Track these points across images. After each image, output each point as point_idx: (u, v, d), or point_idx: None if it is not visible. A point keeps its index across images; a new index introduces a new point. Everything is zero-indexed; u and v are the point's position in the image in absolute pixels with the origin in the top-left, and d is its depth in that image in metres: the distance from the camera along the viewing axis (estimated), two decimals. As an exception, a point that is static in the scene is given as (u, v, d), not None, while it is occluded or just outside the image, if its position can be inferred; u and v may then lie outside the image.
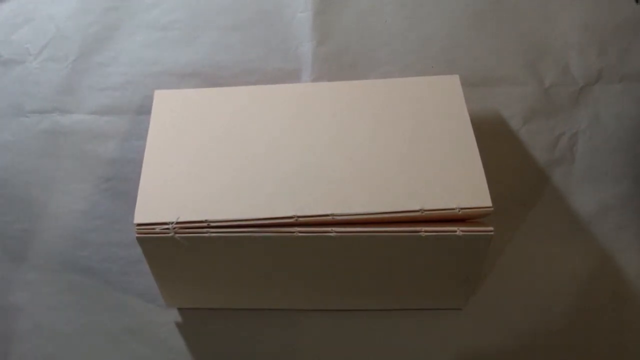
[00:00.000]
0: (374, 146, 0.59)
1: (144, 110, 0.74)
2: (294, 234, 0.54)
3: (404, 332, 0.64)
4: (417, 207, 0.55)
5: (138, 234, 0.54)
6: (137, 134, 0.74)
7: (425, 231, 0.54)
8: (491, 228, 0.54)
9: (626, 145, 0.73)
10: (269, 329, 0.64)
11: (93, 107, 0.76)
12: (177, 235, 0.54)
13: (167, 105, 0.63)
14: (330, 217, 0.54)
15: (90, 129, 0.75)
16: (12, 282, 0.67)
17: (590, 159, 0.73)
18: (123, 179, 0.72)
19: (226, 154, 0.59)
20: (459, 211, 0.55)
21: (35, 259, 0.68)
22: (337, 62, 0.79)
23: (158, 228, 0.54)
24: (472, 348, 0.64)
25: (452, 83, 0.63)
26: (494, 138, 0.73)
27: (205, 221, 0.54)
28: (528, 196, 0.71)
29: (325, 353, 0.64)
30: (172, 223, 0.54)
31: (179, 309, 0.66)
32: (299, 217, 0.54)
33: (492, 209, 0.55)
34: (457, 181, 0.56)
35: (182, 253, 0.56)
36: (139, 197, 0.56)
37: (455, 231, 0.54)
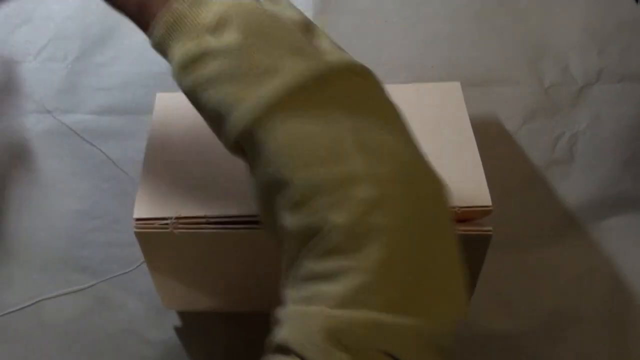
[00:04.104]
0: None
1: (144, 110, 0.74)
2: None
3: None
4: None
5: (137, 228, 0.54)
6: (137, 133, 0.73)
7: None
8: (490, 228, 0.54)
9: (626, 145, 0.73)
10: (267, 332, 0.64)
11: (93, 107, 0.76)
12: (176, 230, 0.54)
13: (168, 106, 0.63)
14: None
15: (90, 128, 0.75)
16: (12, 282, 0.67)
17: (589, 159, 0.73)
18: (123, 179, 0.72)
19: (226, 151, 0.59)
20: (459, 210, 0.55)
21: (35, 259, 0.68)
22: (337, 62, 0.78)
23: (157, 223, 0.54)
24: (473, 350, 0.64)
25: (453, 89, 0.63)
26: (493, 138, 0.73)
27: (204, 217, 0.54)
28: (527, 196, 0.71)
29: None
30: (171, 218, 0.54)
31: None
32: None
33: (492, 208, 0.55)
34: (457, 181, 0.56)
35: (181, 250, 0.56)
36: (138, 192, 0.56)
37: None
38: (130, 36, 0.81)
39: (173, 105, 0.63)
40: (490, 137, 0.73)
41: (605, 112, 0.76)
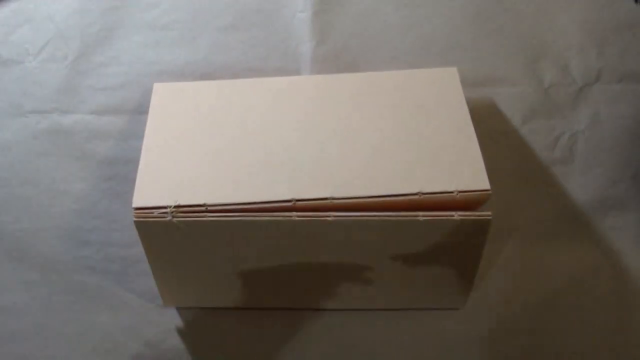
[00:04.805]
0: (372, 132, 0.59)
1: (144, 109, 0.74)
2: (292, 217, 0.54)
3: (403, 332, 0.64)
4: (415, 190, 0.55)
5: (136, 217, 0.54)
6: (137, 133, 0.73)
7: (424, 215, 0.54)
8: (489, 213, 0.54)
9: (625, 145, 0.74)
10: (268, 329, 0.64)
11: (93, 107, 0.76)
12: (175, 219, 0.54)
13: (166, 96, 0.63)
14: (328, 201, 0.54)
15: (89, 128, 0.75)
16: (12, 282, 0.67)
17: (589, 158, 0.73)
18: (123, 178, 0.72)
19: (225, 140, 0.59)
20: (457, 194, 0.55)
21: (35, 259, 0.68)
22: (337, 62, 0.79)
23: (156, 212, 0.54)
24: (472, 348, 0.64)
25: (450, 75, 0.64)
26: (493, 138, 0.73)
27: (204, 205, 0.54)
28: (527, 196, 0.71)
29: (325, 353, 0.64)
30: (170, 207, 0.54)
31: (179, 309, 0.66)
32: (297, 200, 0.54)
33: (491, 192, 0.55)
34: (455, 166, 0.57)
35: (180, 240, 0.56)
36: (137, 182, 0.56)
37: (453, 215, 0.54)
38: (130, 36, 0.81)
39: (170, 95, 0.63)
40: (490, 137, 0.73)
41: (605, 112, 0.76)
